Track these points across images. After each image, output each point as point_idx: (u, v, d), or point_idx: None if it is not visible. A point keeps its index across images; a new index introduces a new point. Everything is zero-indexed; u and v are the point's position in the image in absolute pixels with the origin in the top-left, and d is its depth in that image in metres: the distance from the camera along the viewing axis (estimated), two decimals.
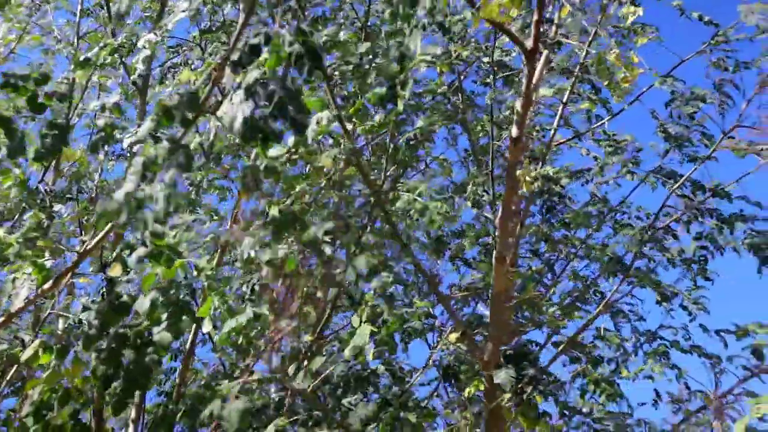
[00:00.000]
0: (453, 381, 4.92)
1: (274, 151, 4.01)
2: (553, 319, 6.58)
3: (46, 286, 4.23)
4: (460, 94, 6.86)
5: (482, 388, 5.53)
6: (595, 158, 7.16)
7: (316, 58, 2.82)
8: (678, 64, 6.41)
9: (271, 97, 2.62)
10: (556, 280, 7.37)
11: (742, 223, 6.41)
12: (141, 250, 3.74)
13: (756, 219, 6.53)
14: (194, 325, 5.34)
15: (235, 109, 2.64)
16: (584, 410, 6.49)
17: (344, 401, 4.38)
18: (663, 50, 6.50)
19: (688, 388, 6.94)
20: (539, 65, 5.69)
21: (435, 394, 5.58)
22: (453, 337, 4.86)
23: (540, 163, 6.02)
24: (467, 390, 5.63)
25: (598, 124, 6.73)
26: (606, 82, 5.37)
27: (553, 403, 7.02)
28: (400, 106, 3.53)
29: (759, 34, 5.97)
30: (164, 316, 3.84)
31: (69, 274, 4.21)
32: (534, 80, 5.08)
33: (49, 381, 4.07)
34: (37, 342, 4.06)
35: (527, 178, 5.42)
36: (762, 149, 5.99)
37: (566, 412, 6.53)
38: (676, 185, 6.40)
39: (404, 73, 3.40)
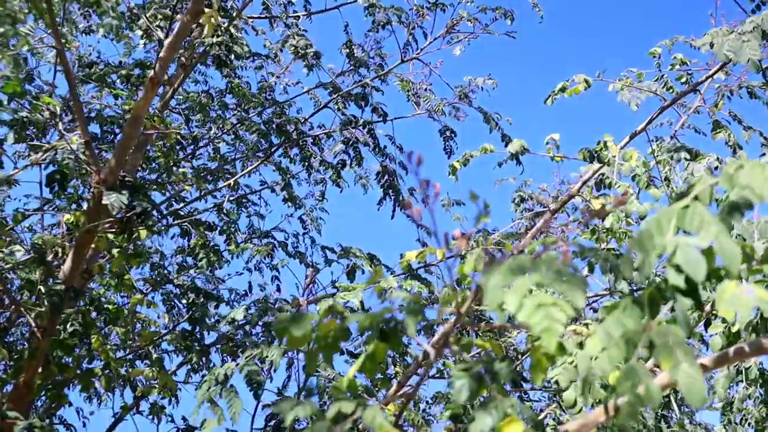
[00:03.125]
0: (57, 189, 4.42)
1: None
2: (180, 180, 6.37)
3: None
4: None
5: (82, 220, 5.12)
6: (275, 54, 7.10)
7: None
8: None
9: None
10: (195, 152, 7.18)
11: (382, 156, 6.81)
12: None
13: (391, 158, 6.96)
14: None
15: None
16: (176, 281, 6.39)
17: None
18: None
19: (279, 290, 7.23)
20: None
21: (45, 202, 5.01)
22: (75, 140, 4.37)
23: (230, 20, 5.75)
24: (67, 216, 5.17)
25: None
26: None
27: (149, 268, 6.82)
28: None
29: None
30: None
31: None
32: None
33: None
34: None
35: (212, 20, 5.12)
36: (424, 89, 6.40)
37: (158, 279, 6.37)
38: (337, 95, 6.58)
39: None
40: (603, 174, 4.67)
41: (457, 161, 5.31)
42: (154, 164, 6.72)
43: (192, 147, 7.14)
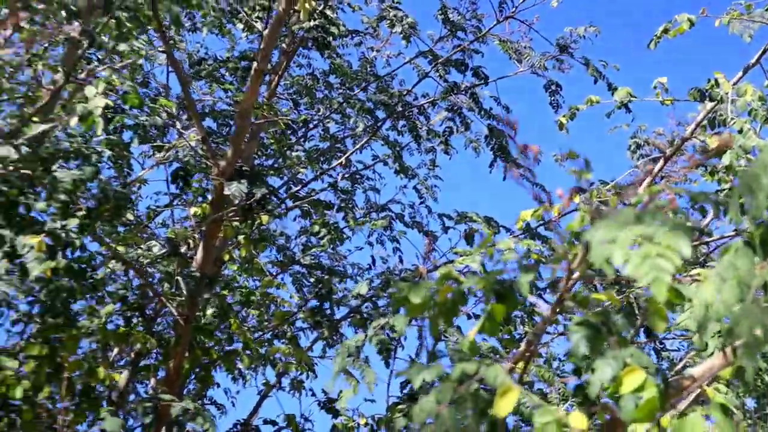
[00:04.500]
0: (182, 185, 4.69)
1: None
2: (294, 163, 6.58)
3: None
4: None
5: (208, 211, 5.40)
6: (374, 28, 7.17)
7: None
8: None
9: None
10: (306, 135, 7.39)
11: (486, 119, 6.79)
12: None
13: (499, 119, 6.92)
14: None
15: None
16: (303, 261, 6.63)
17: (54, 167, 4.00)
18: None
19: (401, 261, 7.36)
20: None
21: (173, 199, 5.32)
22: (193, 137, 4.62)
23: (324, 1, 5.87)
24: (194, 209, 5.47)
25: None
26: None
27: (276, 251, 7.11)
28: None
29: None
30: None
31: None
32: None
33: None
34: None
35: (307, 6, 5.25)
36: (524, 46, 6.32)
37: (285, 261, 6.64)
38: (437, 62, 6.58)
39: None
40: (716, 112, 4.49)
41: (564, 116, 5.24)
42: (268, 150, 6.98)
43: (303, 130, 7.35)
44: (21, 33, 3.79)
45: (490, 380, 1.87)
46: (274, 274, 6.59)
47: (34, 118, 4.25)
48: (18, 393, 4.33)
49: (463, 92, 6.43)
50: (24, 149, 3.70)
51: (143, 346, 4.96)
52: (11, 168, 3.84)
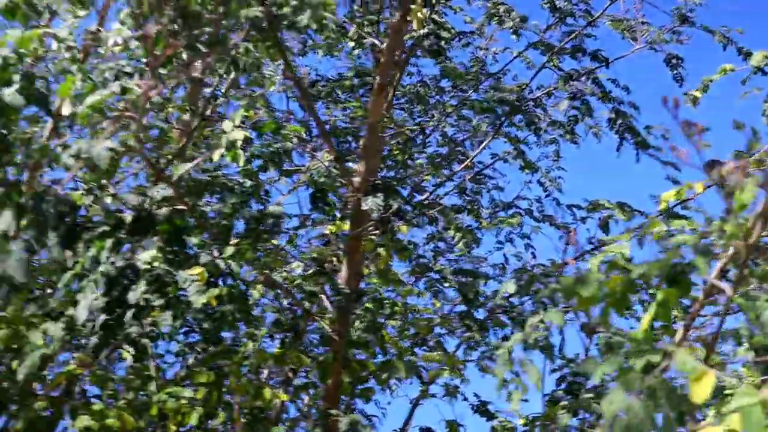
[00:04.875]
0: (321, 205, 4.82)
1: None
2: (418, 171, 6.63)
3: None
4: None
5: (345, 228, 5.51)
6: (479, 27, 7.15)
7: None
8: None
9: None
10: (425, 142, 7.43)
11: (609, 102, 6.62)
12: None
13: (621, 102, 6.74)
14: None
15: None
16: (434, 268, 6.66)
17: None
18: None
19: (534, 256, 7.27)
20: None
21: (304, 220, 5.48)
22: (326, 157, 4.73)
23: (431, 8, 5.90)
24: (329, 227, 5.59)
25: None
26: None
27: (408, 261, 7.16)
28: None
29: None
30: (16, 77, 3.45)
31: None
32: None
33: None
34: None
35: (419, 15, 5.29)
36: (640, 22, 6.14)
37: (418, 269, 6.68)
38: (551, 53, 6.48)
39: None
40: None
41: (697, 90, 5.05)
42: (389, 161, 7.06)
43: (420, 138, 7.40)
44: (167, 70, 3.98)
45: (681, 367, 1.82)
46: (409, 283, 6.65)
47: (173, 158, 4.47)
48: (193, 420, 4.55)
49: (583, 77, 6.31)
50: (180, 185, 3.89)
51: (297, 365, 5.12)
52: (166, 205, 4.05)
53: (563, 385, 4.96)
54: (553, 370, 5.00)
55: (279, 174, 6.06)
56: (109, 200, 4.07)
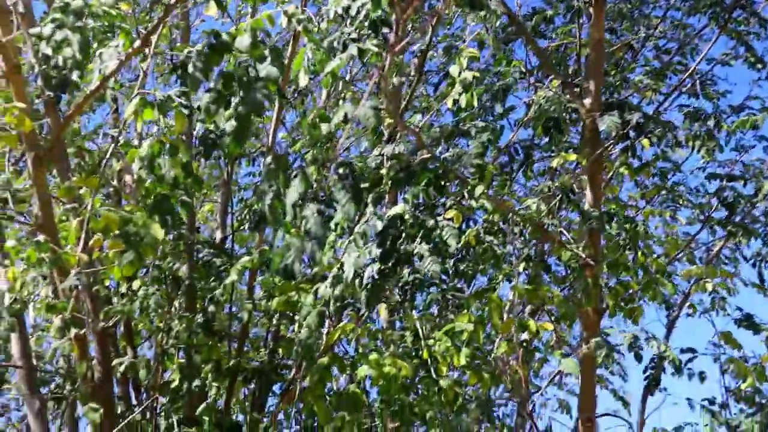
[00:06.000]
0: (552, 134, 4.74)
1: None
2: (637, 87, 6.36)
3: (135, 44, 4.07)
4: None
5: (570, 158, 5.40)
6: None
7: None
8: None
9: None
10: (635, 58, 7.09)
11: None
12: None
13: None
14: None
15: None
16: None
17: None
18: None
19: None
20: None
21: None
22: (554, 84, 4.66)
23: None
24: (555, 161, 5.49)
25: None
26: None
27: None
28: None
29: None
30: (266, 51, 3.68)
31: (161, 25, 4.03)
32: None
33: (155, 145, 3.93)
34: (137, 99, 3.89)
35: None
36: None
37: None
38: None
39: None
40: None
41: None
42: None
43: (629, 55, 7.06)
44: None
45: None
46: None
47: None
48: (462, 359, 4.71)
49: None
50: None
51: (547, 299, 5.11)
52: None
53: None
54: None
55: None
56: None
